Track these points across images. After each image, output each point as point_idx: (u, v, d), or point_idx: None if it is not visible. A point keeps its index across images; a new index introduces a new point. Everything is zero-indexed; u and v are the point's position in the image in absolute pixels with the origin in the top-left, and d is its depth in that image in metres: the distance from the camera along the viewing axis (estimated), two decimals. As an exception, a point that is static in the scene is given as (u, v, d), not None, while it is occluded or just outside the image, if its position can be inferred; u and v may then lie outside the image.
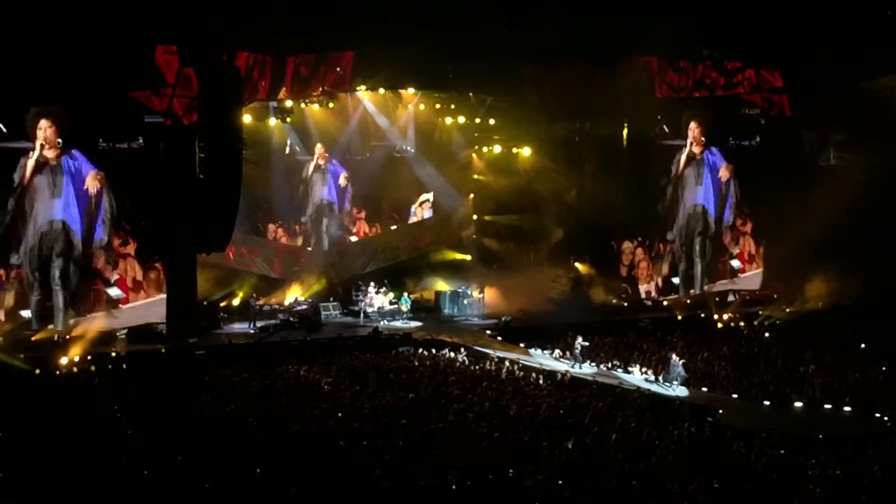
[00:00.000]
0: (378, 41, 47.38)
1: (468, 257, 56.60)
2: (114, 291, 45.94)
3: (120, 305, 45.83)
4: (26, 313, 43.70)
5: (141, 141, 44.51)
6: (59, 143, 43.45)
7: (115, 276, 45.81)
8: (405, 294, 52.28)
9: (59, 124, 43.33)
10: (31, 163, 43.32)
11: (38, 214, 43.89)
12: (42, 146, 43.22)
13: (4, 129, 42.57)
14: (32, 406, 33.21)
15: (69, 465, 27.40)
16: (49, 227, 44.03)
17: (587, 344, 43.17)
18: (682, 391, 38.82)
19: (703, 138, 53.98)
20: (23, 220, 43.65)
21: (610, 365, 41.97)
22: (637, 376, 40.31)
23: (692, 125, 53.90)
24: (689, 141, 54.06)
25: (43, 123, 43.15)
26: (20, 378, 38.08)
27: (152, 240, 45.73)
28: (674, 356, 40.29)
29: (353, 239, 56.71)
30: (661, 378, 39.91)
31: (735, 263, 56.32)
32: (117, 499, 25.97)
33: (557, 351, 44.10)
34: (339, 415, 33.18)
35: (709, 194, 55.07)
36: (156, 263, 46.22)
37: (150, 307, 46.22)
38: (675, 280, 55.55)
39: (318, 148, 54.60)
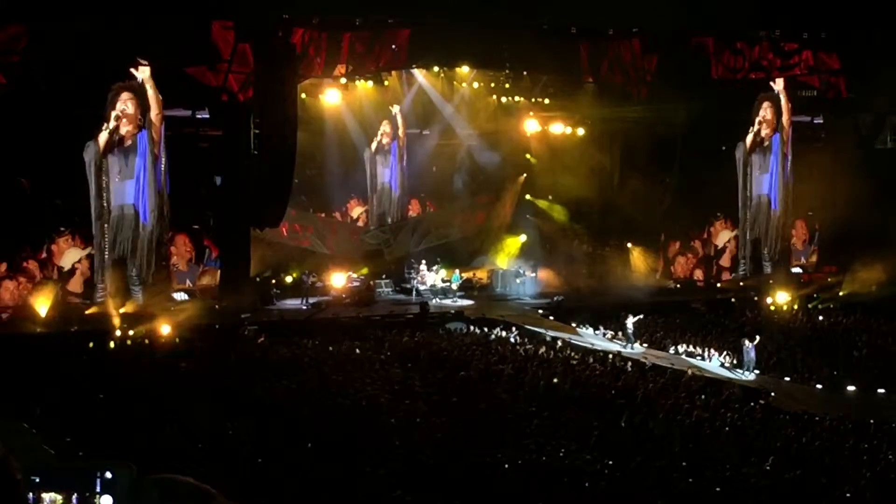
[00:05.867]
0: (434, 18, 47.29)
1: (522, 237, 56.54)
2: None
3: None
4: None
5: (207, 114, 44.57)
6: (139, 119, 42.79)
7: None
8: (457, 272, 52.30)
9: (140, 100, 42.73)
10: (103, 138, 42.46)
11: (109, 198, 43.13)
12: (118, 121, 42.41)
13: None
14: (87, 377, 33.54)
15: (126, 437, 27.65)
16: (120, 213, 43.32)
17: (640, 317, 43.13)
18: (752, 377, 38.73)
19: (775, 122, 53.10)
20: (95, 202, 42.86)
21: (674, 350, 41.79)
22: (714, 362, 40.19)
23: (765, 105, 52.84)
24: (758, 124, 52.97)
25: (125, 96, 42.49)
26: (76, 350, 38.34)
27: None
28: (746, 341, 40.03)
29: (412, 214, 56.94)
30: (735, 364, 39.74)
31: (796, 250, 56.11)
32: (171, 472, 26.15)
33: (609, 331, 44.07)
34: (390, 392, 33.33)
35: (774, 182, 54.00)
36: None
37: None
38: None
39: (384, 126, 54.47)
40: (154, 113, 42.94)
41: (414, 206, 57.29)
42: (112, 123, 42.39)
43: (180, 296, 45.09)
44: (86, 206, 42.71)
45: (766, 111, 52.86)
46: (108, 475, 11.18)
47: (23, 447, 24.41)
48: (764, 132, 53.15)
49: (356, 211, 55.94)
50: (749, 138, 52.76)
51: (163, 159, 43.40)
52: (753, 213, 53.96)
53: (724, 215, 55.11)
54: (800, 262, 56.30)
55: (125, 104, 42.59)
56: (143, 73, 42.38)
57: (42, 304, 41.99)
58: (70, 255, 43.02)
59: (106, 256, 43.19)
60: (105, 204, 42.90)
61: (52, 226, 43.04)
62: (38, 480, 11.12)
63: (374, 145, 54.39)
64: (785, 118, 52.67)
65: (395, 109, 54.28)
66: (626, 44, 51.22)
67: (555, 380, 35.35)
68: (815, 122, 54.77)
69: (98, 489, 11.19)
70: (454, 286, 51.45)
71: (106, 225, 42.99)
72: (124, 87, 42.55)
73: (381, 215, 55.29)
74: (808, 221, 56.22)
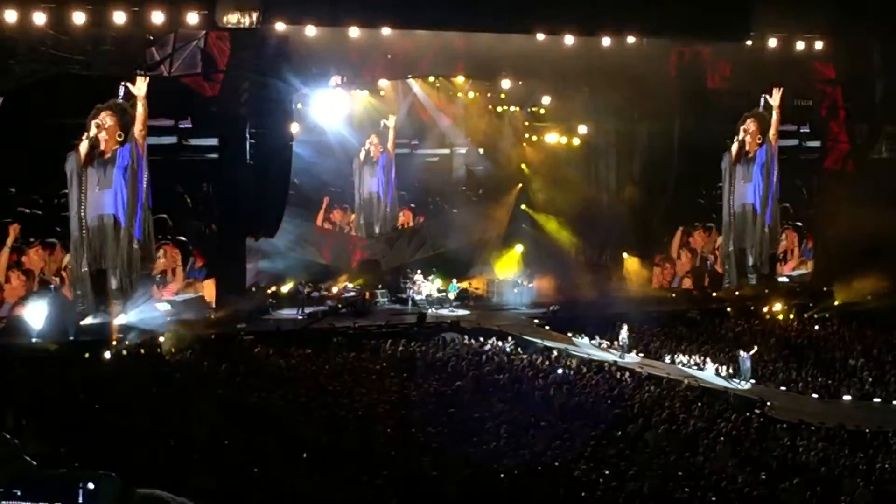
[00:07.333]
0: (429, 28, 47.24)
1: (518, 247, 56.43)
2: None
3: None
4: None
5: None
6: (119, 136, 42.46)
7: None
8: (453, 282, 52.25)
9: (120, 117, 42.42)
10: (84, 148, 42.14)
11: (87, 207, 42.79)
12: (96, 134, 41.97)
13: None
14: (82, 388, 33.43)
15: (118, 448, 27.54)
16: (99, 222, 42.98)
17: (625, 326, 43.13)
18: (748, 386, 38.68)
19: (759, 136, 52.87)
20: (74, 212, 42.63)
21: (670, 359, 41.71)
22: (710, 372, 40.11)
23: (749, 122, 52.48)
24: (743, 132, 52.46)
25: (104, 115, 42.13)
26: (71, 360, 38.24)
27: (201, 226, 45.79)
28: (741, 352, 40.01)
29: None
30: (731, 373, 39.64)
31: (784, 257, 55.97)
32: (166, 483, 26.07)
33: (605, 341, 44.01)
34: (386, 402, 33.29)
35: (758, 192, 53.45)
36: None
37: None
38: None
39: (372, 139, 54.36)
40: (138, 129, 42.65)
41: (406, 217, 57.13)
42: (93, 131, 42.01)
43: (164, 306, 44.80)
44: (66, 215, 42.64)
45: (750, 123, 52.61)
46: (91, 486, 11.09)
47: (4, 458, 24.30)
48: (749, 143, 52.73)
49: (350, 218, 55.80)
50: (734, 148, 52.49)
51: (145, 170, 43.12)
52: (738, 223, 53.63)
53: (701, 225, 54.83)
54: (788, 272, 56.04)
55: (103, 120, 42.13)
56: (139, 88, 42.19)
57: (35, 315, 41.83)
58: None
59: (86, 267, 42.89)
60: (83, 214, 42.58)
61: (24, 236, 42.78)
62: (18, 493, 11.03)
63: (361, 155, 54.23)
64: (773, 129, 52.46)
65: (386, 120, 54.23)
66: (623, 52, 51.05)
67: (551, 389, 35.29)
68: (803, 130, 54.51)
69: (80, 500, 11.09)
70: (451, 296, 51.40)
71: (84, 234, 42.68)
72: (102, 108, 42.17)
73: (369, 224, 55.17)
74: (797, 231, 56.04)
